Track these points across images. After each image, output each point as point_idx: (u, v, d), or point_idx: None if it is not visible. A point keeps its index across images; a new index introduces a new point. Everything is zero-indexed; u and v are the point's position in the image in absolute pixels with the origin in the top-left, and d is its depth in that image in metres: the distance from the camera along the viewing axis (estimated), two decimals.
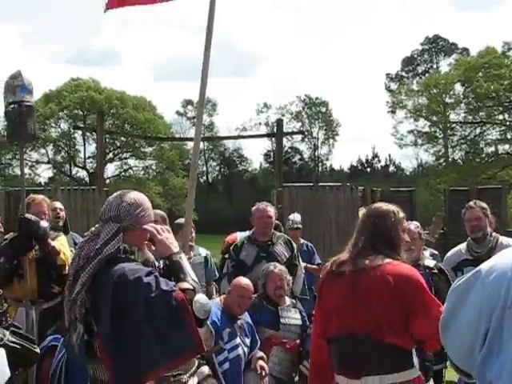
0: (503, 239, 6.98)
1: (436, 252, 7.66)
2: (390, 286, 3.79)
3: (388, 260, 3.90)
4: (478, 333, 2.27)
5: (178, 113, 70.29)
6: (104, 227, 3.48)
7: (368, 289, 3.84)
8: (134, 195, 3.62)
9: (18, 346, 4.36)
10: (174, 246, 3.52)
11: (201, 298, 3.35)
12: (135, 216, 3.51)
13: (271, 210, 7.35)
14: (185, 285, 3.37)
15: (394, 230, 4.06)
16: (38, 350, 4.61)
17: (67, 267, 5.55)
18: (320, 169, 67.88)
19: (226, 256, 8.11)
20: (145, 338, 3.22)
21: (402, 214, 4.16)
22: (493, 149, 39.96)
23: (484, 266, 2.34)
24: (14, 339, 4.38)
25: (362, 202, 14.65)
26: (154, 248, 3.56)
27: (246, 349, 6.14)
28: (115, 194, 3.66)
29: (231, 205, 55.99)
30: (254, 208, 7.55)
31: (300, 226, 9.37)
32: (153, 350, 3.22)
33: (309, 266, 8.57)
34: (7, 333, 4.36)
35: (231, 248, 7.53)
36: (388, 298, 3.78)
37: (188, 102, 69.37)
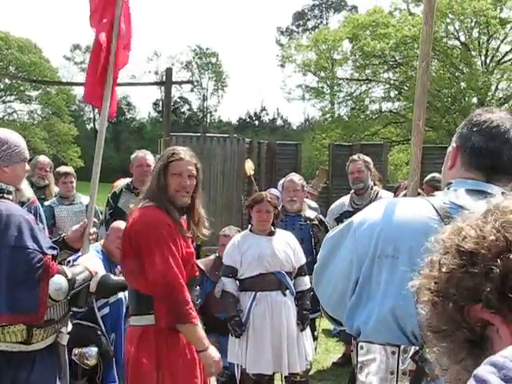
0: (383, 193, 7.23)
1: (316, 205, 7.83)
2: (128, 226, 3.98)
3: (146, 204, 4.01)
4: (348, 282, 2.35)
5: (65, 57, 68.38)
6: None
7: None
8: (0, 132, 3.55)
9: None
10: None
11: (65, 285, 3.34)
12: (1, 152, 3.44)
13: (150, 159, 7.18)
14: (66, 268, 3.44)
15: (153, 175, 4.13)
16: None
17: None
18: (208, 120, 67.67)
19: None
20: None
21: (176, 156, 4.13)
22: (377, 106, 40.74)
23: (356, 217, 2.41)
24: None
25: (248, 154, 14.77)
26: None
27: (126, 293, 6.13)
28: None
29: (118, 153, 55.08)
30: (132, 156, 7.40)
31: None
32: None
33: None
34: None
35: (109, 195, 7.34)
36: (124, 237, 3.99)
37: (76, 47, 67.52)
